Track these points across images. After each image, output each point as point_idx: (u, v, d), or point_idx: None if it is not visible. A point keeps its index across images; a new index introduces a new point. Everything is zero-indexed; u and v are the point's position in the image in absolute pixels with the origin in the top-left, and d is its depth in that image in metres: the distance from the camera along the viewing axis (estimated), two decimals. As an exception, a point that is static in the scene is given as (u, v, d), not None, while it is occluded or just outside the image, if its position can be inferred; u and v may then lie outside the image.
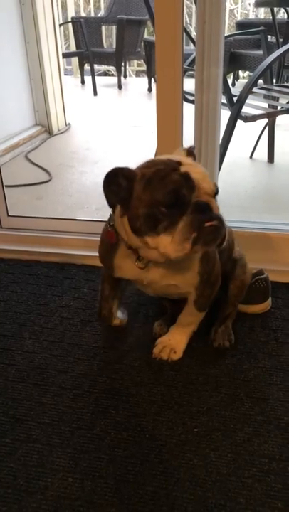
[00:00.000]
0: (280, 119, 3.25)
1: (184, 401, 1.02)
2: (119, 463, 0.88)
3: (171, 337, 1.16)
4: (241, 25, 4.73)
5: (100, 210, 2.09)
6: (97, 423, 0.96)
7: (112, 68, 5.72)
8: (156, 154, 1.46)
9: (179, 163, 0.87)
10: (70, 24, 5.05)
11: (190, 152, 0.98)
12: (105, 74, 6.23)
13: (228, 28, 5.89)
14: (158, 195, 0.84)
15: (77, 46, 4.92)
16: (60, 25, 4.45)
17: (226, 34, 5.05)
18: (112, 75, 5.86)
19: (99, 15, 5.72)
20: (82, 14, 5.78)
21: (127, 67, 5.96)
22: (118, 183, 0.89)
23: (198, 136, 1.42)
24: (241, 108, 1.88)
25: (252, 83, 1.87)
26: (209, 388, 1.05)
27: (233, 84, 5.05)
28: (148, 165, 0.90)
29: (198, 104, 1.38)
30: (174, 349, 1.14)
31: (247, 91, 1.86)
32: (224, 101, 1.94)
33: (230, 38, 4.58)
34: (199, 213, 0.84)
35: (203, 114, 1.39)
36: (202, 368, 1.11)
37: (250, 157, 2.75)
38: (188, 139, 1.44)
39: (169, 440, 0.93)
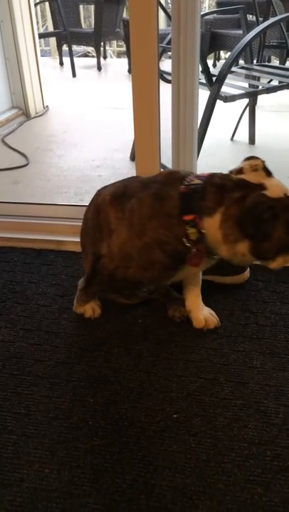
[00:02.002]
0: (262, 101, 3.22)
1: (163, 387, 1.00)
2: (97, 452, 0.87)
3: (203, 309, 1.19)
4: (222, 4, 4.66)
5: (78, 194, 2.05)
6: (74, 412, 0.94)
7: (92, 49, 5.60)
8: (134, 137, 1.43)
9: None
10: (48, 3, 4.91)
11: (269, 172, 0.95)
12: (86, 55, 6.11)
13: (208, 7, 5.80)
14: None
15: (55, 26, 4.81)
16: (36, 4, 4.33)
17: (205, 12, 4.98)
18: (93, 56, 5.74)
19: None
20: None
21: (107, 47, 5.85)
22: (267, 220, 0.88)
23: (175, 116, 1.38)
24: (220, 87, 1.85)
25: (231, 62, 1.83)
26: (189, 373, 1.04)
27: (215, 65, 4.99)
28: (278, 201, 0.88)
29: (174, 84, 1.34)
30: (210, 313, 1.19)
31: (226, 70, 1.82)
32: (203, 81, 1.90)
33: (211, 17, 4.51)
34: None
35: (181, 94, 1.35)
36: (182, 353, 1.10)
37: (232, 139, 2.72)
38: (166, 119, 1.40)
39: (148, 427, 0.91)
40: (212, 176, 0.96)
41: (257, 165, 0.94)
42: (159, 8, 1.81)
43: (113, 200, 1.06)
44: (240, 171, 0.95)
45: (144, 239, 0.98)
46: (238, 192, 0.90)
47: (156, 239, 0.97)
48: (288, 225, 0.89)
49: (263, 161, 0.95)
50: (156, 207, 0.97)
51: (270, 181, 0.92)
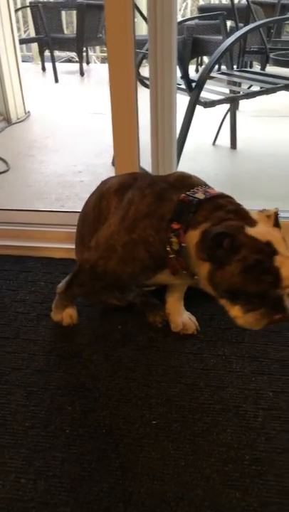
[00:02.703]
0: (244, 106, 3.25)
1: (142, 393, 1.00)
2: (74, 461, 0.86)
3: (183, 313, 1.19)
4: (203, 10, 4.70)
5: (59, 200, 2.04)
6: (52, 420, 0.93)
7: (75, 55, 5.60)
8: (113, 143, 1.43)
9: (274, 252, 0.83)
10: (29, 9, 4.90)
11: (277, 222, 0.91)
12: (69, 60, 6.10)
13: (190, 13, 5.85)
14: (250, 287, 0.84)
15: (37, 32, 4.79)
16: (16, 10, 4.32)
17: (186, 18, 5.01)
18: (77, 61, 5.74)
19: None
20: (42, -1, 5.63)
21: (91, 53, 5.85)
22: (224, 249, 0.84)
23: (154, 120, 1.39)
24: (200, 93, 1.86)
25: (210, 68, 1.85)
26: (168, 379, 1.03)
27: (197, 70, 5.03)
28: (253, 239, 0.84)
29: (152, 89, 1.35)
30: (190, 318, 1.19)
31: (205, 76, 1.84)
32: (184, 86, 1.92)
33: (193, 23, 4.54)
34: (276, 309, 0.86)
35: (159, 98, 1.36)
36: (161, 358, 1.10)
37: (213, 143, 2.73)
38: (145, 125, 1.40)
39: (127, 434, 0.91)
40: (219, 196, 0.93)
41: (270, 216, 0.90)
42: (138, 14, 1.82)
43: (119, 190, 1.04)
44: (246, 213, 0.90)
45: (132, 235, 0.96)
46: (229, 216, 0.88)
47: (143, 238, 0.96)
48: (244, 266, 0.83)
49: (277, 213, 0.92)
50: (153, 207, 0.95)
51: (267, 227, 0.88)
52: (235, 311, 0.88)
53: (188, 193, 0.93)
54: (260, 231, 0.85)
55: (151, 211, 0.95)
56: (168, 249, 0.93)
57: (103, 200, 1.07)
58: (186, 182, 0.98)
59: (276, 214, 0.91)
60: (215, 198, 0.92)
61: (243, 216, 0.88)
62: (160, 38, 1.29)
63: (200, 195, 0.92)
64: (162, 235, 0.94)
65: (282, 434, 0.90)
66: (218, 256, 0.84)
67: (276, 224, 0.90)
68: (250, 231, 0.84)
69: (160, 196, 0.96)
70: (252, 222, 0.86)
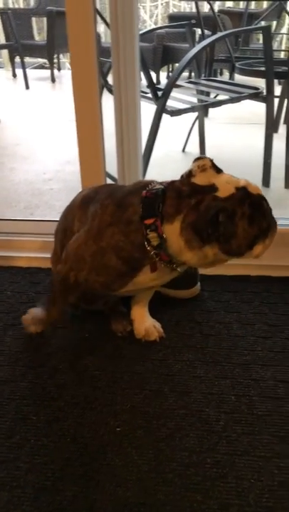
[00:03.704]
0: (213, 113, 3.31)
1: (107, 401, 1.01)
2: (38, 470, 0.86)
3: (146, 320, 1.20)
4: (173, 18, 4.77)
5: (28, 208, 2.04)
6: (16, 431, 0.94)
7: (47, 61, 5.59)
8: (78, 151, 1.44)
9: (246, 188, 0.91)
10: (-1, 15, 4.88)
11: (218, 169, 0.95)
12: (42, 66, 6.09)
13: (159, 22, 5.91)
14: (263, 225, 0.93)
15: (7, 38, 4.77)
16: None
17: (157, 26, 5.07)
18: (49, 67, 5.74)
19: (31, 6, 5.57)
20: (12, 5, 5.61)
21: (63, 59, 5.86)
22: (224, 222, 0.88)
23: (118, 127, 1.40)
24: (166, 102, 1.89)
25: (176, 76, 1.88)
26: (134, 385, 1.05)
27: (168, 78, 5.08)
28: (230, 198, 0.89)
29: (116, 96, 1.37)
30: (154, 325, 1.20)
31: (171, 84, 1.87)
32: (150, 95, 1.94)
33: (163, 31, 4.61)
34: (273, 227, 0.98)
35: (123, 106, 1.37)
36: (127, 365, 1.11)
37: (183, 150, 2.77)
38: (109, 130, 1.42)
39: (91, 442, 0.92)
40: (173, 181, 0.96)
41: (205, 164, 0.94)
42: (104, 22, 1.84)
43: (82, 203, 1.06)
44: (190, 173, 0.95)
45: (100, 243, 0.97)
46: (194, 198, 0.90)
47: (112, 245, 0.96)
48: (248, 216, 0.89)
49: (211, 160, 0.95)
50: (116, 215, 0.97)
51: (220, 179, 0.92)
52: (258, 250, 0.95)
53: (147, 189, 0.96)
54: (226, 187, 0.90)
55: (114, 219, 0.97)
56: (147, 248, 0.94)
57: (68, 214, 1.09)
58: (142, 184, 1.00)
59: (212, 162, 0.95)
60: (171, 184, 0.95)
61: (199, 190, 0.91)
62: (122, 45, 1.31)
63: (158, 187, 0.95)
64: (133, 238, 0.95)
65: (242, 436, 0.92)
66: (224, 232, 0.88)
67: (218, 171, 0.95)
68: (221, 194, 0.89)
69: (121, 203, 0.98)
70: (212, 188, 0.90)
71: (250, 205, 0.90)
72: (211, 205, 0.88)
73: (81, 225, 1.03)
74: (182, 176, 0.96)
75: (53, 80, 4.81)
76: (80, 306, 1.24)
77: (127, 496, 0.81)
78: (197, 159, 0.95)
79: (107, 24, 2.05)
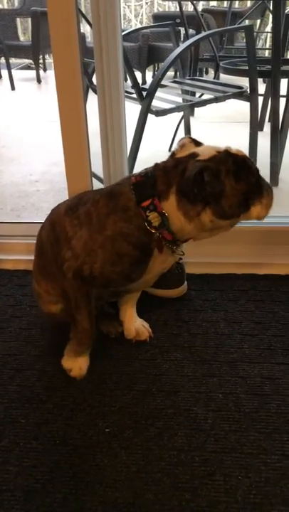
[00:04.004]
0: (199, 112, 3.32)
1: (96, 402, 1.01)
2: (27, 473, 0.86)
3: (135, 320, 1.21)
4: (158, 18, 4.78)
5: (15, 210, 2.03)
6: (5, 434, 0.94)
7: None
8: (64, 151, 1.44)
9: (227, 150, 0.93)
10: (-18, 16, 4.85)
11: (198, 143, 0.99)
12: (28, 67, 6.06)
13: (148, 19, 5.92)
14: (251, 180, 0.93)
15: (-9, 39, 4.73)
16: None
17: (143, 26, 5.07)
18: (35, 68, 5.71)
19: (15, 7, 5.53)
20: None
21: (49, 60, 5.83)
22: (210, 181, 0.89)
23: (103, 127, 1.40)
24: (151, 102, 1.89)
25: (160, 76, 1.88)
26: (122, 386, 1.05)
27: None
28: (213, 158, 0.90)
29: (100, 96, 1.37)
30: (143, 324, 1.21)
31: (155, 84, 1.87)
32: (135, 95, 1.95)
33: (148, 31, 4.61)
34: (267, 190, 0.98)
35: (107, 105, 1.37)
36: (115, 366, 1.11)
37: (169, 150, 2.78)
38: (94, 130, 1.42)
39: (80, 444, 0.92)
40: (156, 163, 0.98)
41: (184, 142, 0.97)
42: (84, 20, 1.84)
43: (67, 210, 1.05)
44: (172, 154, 0.98)
45: (105, 233, 0.96)
46: (179, 168, 0.91)
47: (117, 232, 0.96)
48: (233, 173, 0.90)
49: (190, 137, 0.99)
50: (111, 204, 0.97)
51: (200, 148, 0.94)
52: (257, 210, 0.96)
53: (135, 175, 0.98)
54: (206, 152, 0.92)
55: (111, 209, 0.97)
56: (152, 230, 0.95)
57: (56, 226, 1.07)
58: (125, 177, 1.02)
59: (191, 138, 0.99)
60: (155, 165, 0.97)
61: (181, 160, 0.93)
62: (105, 45, 1.30)
63: (148, 169, 0.97)
64: (135, 222, 0.95)
65: (230, 434, 0.93)
66: (211, 191, 0.89)
67: (198, 144, 0.98)
68: (203, 157, 0.90)
69: (112, 194, 0.99)
70: (193, 155, 0.92)
71: (234, 162, 0.91)
72: (194, 165, 0.89)
73: (75, 227, 1.02)
74: (173, 156, 0.98)
75: (39, 80, 4.79)
76: (104, 298, 1.16)
77: (117, 497, 0.82)
78: (179, 140, 1.00)
79: (89, 24, 2.05)
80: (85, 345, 1.07)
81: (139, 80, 2.34)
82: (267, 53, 4.60)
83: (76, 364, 1.08)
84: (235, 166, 0.91)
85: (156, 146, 2.73)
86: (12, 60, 4.69)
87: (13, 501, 0.81)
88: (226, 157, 0.91)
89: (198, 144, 0.98)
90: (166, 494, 0.82)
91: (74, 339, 1.08)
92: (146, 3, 6.27)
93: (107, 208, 0.97)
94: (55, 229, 1.07)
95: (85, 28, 3.09)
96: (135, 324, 1.20)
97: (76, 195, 1.11)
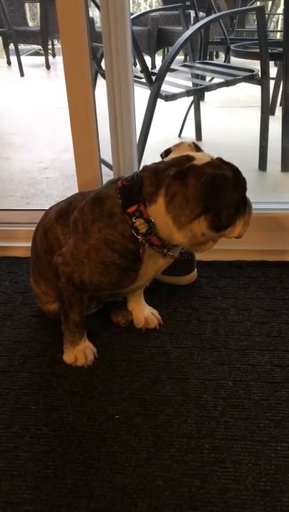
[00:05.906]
0: (209, 96, 3.28)
1: (105, 389, 1.02)
2: (38, 459, 0.87)
3: (144, 308, 1.21)
4: (167, 0, 4.69)
5: (25, 197, 2.03)
6: (16, 420, 0.94)
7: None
8: (72, 136, 1.43)
9: (220, 159, 0.92)
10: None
11: (198, 148, 0.98)
12: (37, 53, 6.01)
13: (157, 3, 5.82)
14: (244, 191, 0.93)
15: (0, 25, 4.70)
16: (-23, 2, 4.22)
17: (147, 10, 4.98)
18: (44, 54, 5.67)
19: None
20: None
21: (58, 45, 5.78)
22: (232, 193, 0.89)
23: (112, 113, 1.39)
24: (160, 86, 1.86)
25: (169, 60, 1.85)
26: (131, 373, 1.06)
27: (164, 61, 5.02)
28: (209, 164, 0.88)
29: (109, 81, 1.35)
30: (152, 312, 1.21)
31: (165, 68, 1.84)
32: (144, 80, 1.92)
33: (157, 14, 4.54)
34: (248, 206, 0.98)
35: (116, 90, 1.35)
36: (125, 353, 1.11)
37: (179, 135, 2.75)
38: (104, 116, 1.41)
39: (90, 430, 0.92)
40: (145, 165, 0.95)
41: (182, 142, 0.96)
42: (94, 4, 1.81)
43: (58, 217, 1.05)
44: (168, 151, 0.96)
45: (90, 242, 0.95)
46: (172, 169, 0.89)
47: (102, 239, 0.94)
48: (232, 182, 0.89)
49: (194, 142, 0.97)
50: (96, 211, 0.95)
51: (195, 153, 0.93)
52: (240, 225, 0.94)
53: (122, 179, 0.96)
54: (201, 157, 0.90)
55: (96, 215, 0.96)
56: (139, 238, 0.92)
57: (48, 232, 1.07)
58: (113, 180, 1.00)
59: (195, 144, 0.97)
60: (144, 167, 0.94)
61: (176, 161, 0.90)
62: (114, 29, 1.28)
63: (134, 173, 0.95)
64: (121, 229, 0.93)
65: (240, 421, 0.93)
66: (222, 199, 0.88)
67: (197, 149, 0.97)
68: (197, 161, 0.88)
69: (97, 200, 0.97)
70: (188, 157, 0.90)
71: (230, 169, 0.89)
72: (212, 173, 0.86)
73: (66, 235, 1.02)
74: (161, 156, 0.98)
75: (48, 66, 4.75)
76: (102, 299, 1.18)
77: (126, 483, 0.83)
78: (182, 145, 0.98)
79: (98, 7, 2.02)
80: (77, 334, 1.08)
81: (149, 64, 2.31)
82: (279, 35, 4.50)
83: (78, 354, 1.08)
84: (233, 173, 0.89)
85: (165, 132, 2.70)
86: (21, 46, 4.66)
87: (24, 487, 0.82)
88: (222, 164, 0.90)
89: (198, 149, 0.96)
90: (175, 481, 0.83)
91: (65, 330, 1.08)
92: (156, -15, 6.15)
93: (93, 215, 0.96)
94: (47, 236, 1.07)
95: (94, 13, 3.05)
96: (144, 312, 1.19)
97: (66, 198, 1.11)
